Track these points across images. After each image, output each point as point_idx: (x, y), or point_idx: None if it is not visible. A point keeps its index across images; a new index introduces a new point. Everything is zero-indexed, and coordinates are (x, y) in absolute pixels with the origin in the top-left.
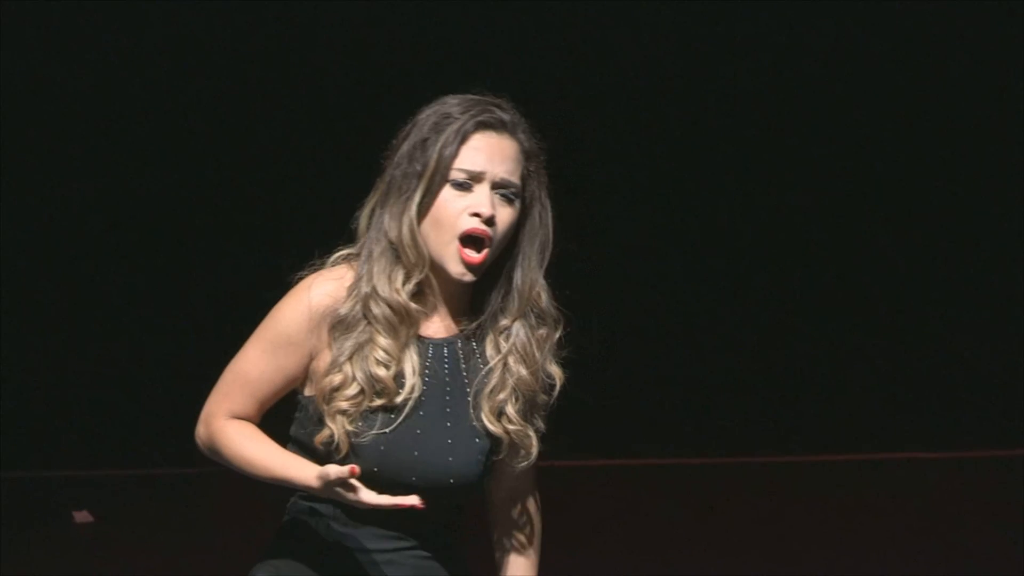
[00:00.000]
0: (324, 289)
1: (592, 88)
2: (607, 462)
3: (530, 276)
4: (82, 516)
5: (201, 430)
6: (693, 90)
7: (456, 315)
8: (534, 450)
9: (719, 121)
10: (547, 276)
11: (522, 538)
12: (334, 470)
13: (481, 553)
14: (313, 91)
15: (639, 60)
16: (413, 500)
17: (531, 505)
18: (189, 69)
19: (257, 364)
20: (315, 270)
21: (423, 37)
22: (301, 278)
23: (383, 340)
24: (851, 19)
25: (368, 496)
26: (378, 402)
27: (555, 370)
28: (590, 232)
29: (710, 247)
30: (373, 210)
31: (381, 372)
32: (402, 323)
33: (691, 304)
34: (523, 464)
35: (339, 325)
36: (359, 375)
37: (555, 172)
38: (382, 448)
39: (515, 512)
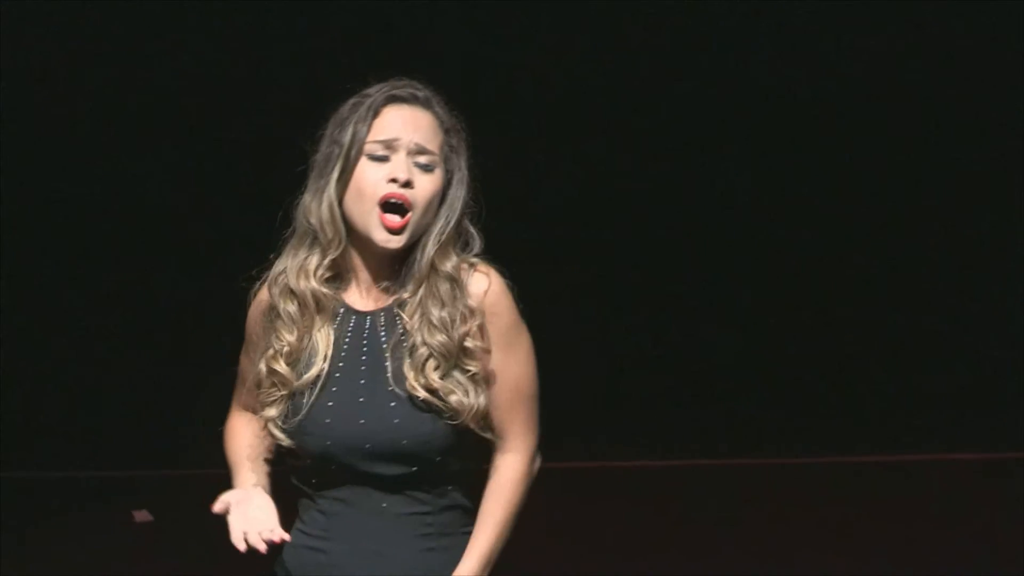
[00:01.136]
0: (262, 292)
1: (593, 86)
2: (607, 464)
3: (432, 245)
4: (142, 516)
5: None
6: (703, 83)
7: (382, 287)
8: (468, 401)
9: (722, 119)
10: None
11: (500, 482)
12: (219, 498)
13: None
14: (316, 91)
15: (638, 58)
16: (270, 538)
17: (514, 455)
18: (190, 69)
19: (242, 361)
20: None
21: (425, 37)
22: (259, 281)
23: (284, 333)
24: (852, 19)
25: (234, 536)
26: (288, 389)
27: (474, 304)
28: (592, 227)
29: (713, 244)
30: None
31: (278, 366)
32: (307, 311)
33: (693, 303)
34: (463, 419)
35: (265, 322)
36: (268, 371)
37: (555, 172)
38: (328, 421)
39: (498, 459)
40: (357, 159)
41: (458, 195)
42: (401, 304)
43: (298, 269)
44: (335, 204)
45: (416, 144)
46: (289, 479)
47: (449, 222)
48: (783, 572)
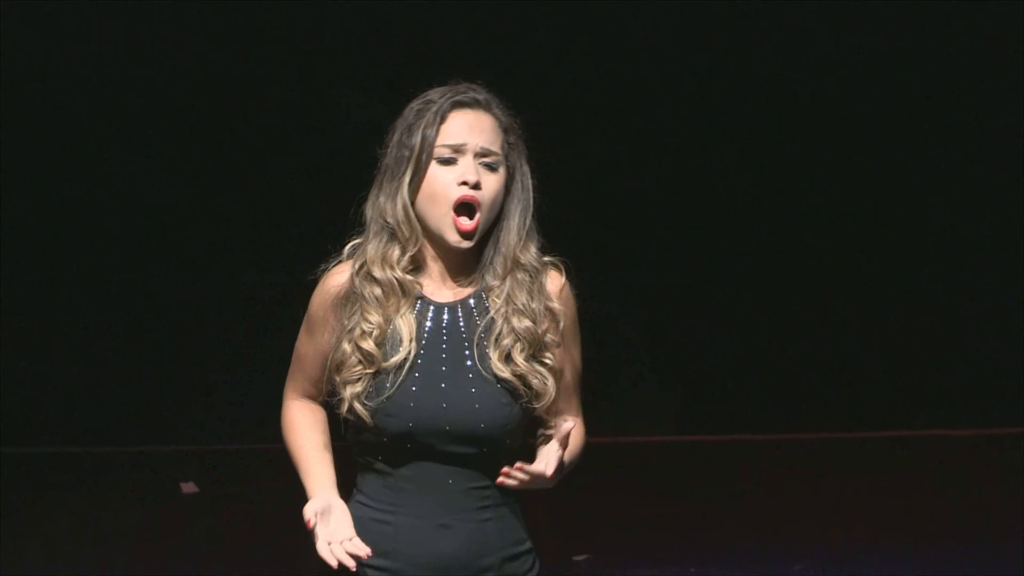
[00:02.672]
0: (336, 279)
1: (591, 84)
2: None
3: (512, 237)
4: (188, 487)
5: (282, 410)
6: (703, 82)
7: (460, 279)
8: (550, 388)
9: (728, 109)
10: (549, 240)
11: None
12: (306, 510)
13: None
14: (316, 94)
15: (635, 57)
16: (355, 553)
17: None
18: (187, 70)
19: (303, 346)
20: (339, 262)
21: (432, 41)
22: (326, 270)
23: (372, 315)
24: (850, 22)
25: (322, 549)
26: (375, 368)
27: (556, 307)
28: (602, 217)
29: (714, 229)
30: (373, 198)
31: (366, 345)
32: (392, 295)
33: (700, 285)
34: (543, 403)
35: (344, 305)
36: (355, 349)
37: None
38: (411, 404)
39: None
40: (427, 163)
41: (525, 190)
42: (482, 296)
43: (380, 259)
44: (409, 205)
45: (481, 147)
46: (349, 454)
47: (526, 217)
48: (781, 543)
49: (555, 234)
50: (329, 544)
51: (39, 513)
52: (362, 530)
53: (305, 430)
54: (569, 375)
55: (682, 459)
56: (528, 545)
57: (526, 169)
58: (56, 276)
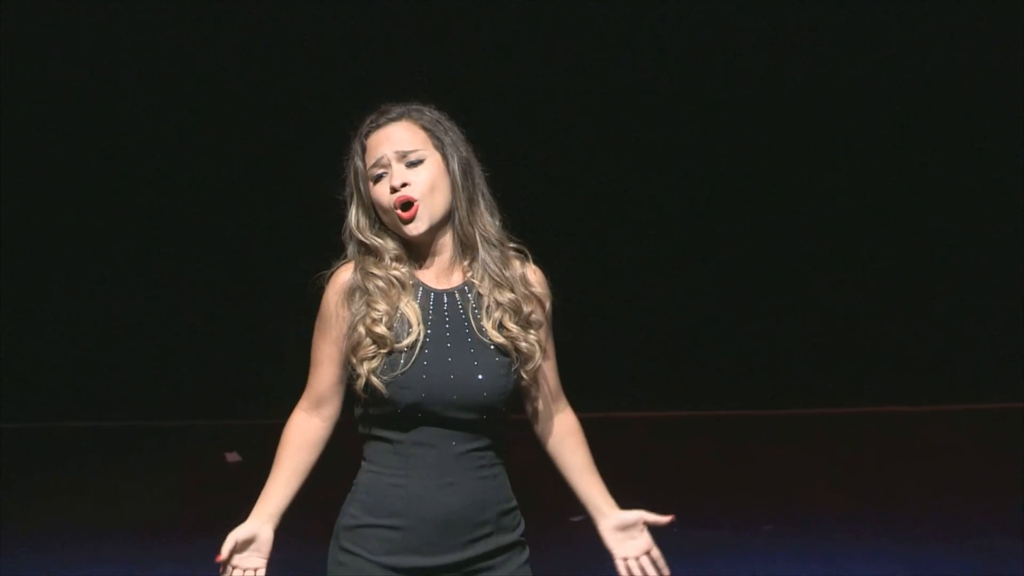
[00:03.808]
0: (345, 274)
1: (591, 82)
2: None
3: (463, 213)
4: (232, 456)
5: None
6: (693, 82)
7: (451, 269)
8: (537, 352)
9: (720, 106)
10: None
11: (569, 431)
12: (227, 540)
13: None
14: (316, 98)
15: (634, 58)
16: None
17: (567, 411)
18: (188, 71)
19: (317, 348)
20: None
21: (434, 44)
22: (332, 272)
23: (379, 304)
24: (851, 24)
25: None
26: (388, 349)
27: (539, 291)
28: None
29: (713, 227)
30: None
31: (379, 330)
32: (393, 287)
33: (683, 267)
34: (532, 365)
35: (352, 297)
36: (369, 332)
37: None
38: (424, 377)
39: (556, 419)
40: (366, 187)
41: (457, 170)
42: (472, 281)
43: (375, 261)
44: (365, 228)
45: (397, 152)
46: (356, 429)
47: (464, 192)
48: (753, 507)
49: (553, 227)
50: (233, 570)
51: (83, 479)
52: (377, 494)
53: (291, 452)
54: (552, 354)
55: (666, 432)
56: (515, 503)
57: (458, 155)
58: (113, 260)
